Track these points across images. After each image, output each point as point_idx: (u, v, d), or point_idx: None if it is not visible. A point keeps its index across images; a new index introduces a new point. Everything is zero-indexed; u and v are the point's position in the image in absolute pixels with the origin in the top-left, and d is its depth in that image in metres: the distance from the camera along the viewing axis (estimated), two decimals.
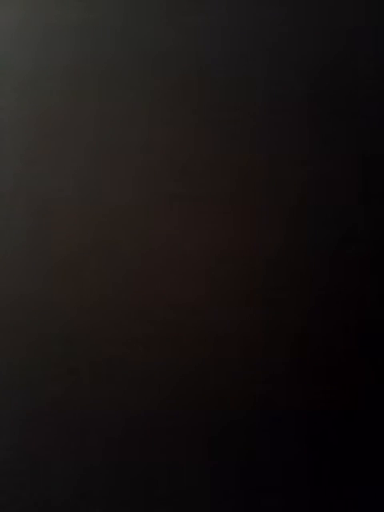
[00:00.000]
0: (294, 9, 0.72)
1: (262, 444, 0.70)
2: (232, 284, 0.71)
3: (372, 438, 0.70)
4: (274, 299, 0.71)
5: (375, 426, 0.70)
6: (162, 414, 0.70)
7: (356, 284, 0.71)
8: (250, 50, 0.72)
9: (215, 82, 0.72)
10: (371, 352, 0.71)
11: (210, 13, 0.72)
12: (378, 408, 0.70)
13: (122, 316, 0.71)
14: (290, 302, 0.71)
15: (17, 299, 0.71)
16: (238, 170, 0.71)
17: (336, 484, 0.70)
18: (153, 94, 0.72)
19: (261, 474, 0.70)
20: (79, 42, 0.72)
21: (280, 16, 0.72)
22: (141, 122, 0.72)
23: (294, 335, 0.70)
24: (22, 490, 0.70)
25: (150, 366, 0.70)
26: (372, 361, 0.71)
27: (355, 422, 0.70)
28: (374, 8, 0.72)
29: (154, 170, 0.71)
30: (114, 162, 0.72)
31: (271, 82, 0.72)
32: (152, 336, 0.71)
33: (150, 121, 0.72)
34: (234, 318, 0.71)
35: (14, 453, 0.70)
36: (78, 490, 0.71)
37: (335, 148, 0.71)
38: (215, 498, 0.70)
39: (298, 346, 0.70)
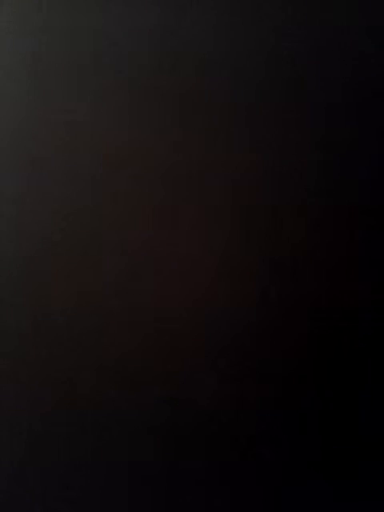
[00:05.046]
0: (292, 8, 0.72)
1: (264, 444, 0.71)
2: (230, 284, 0.71)
3: (371, 433, 0.71)
4: (274, 299, 0.71)
5: (374, 419, 0.71)
6: (161, 415, 0.71)
7: (354, 285, 0.71)
8: (247, 51, 0.72)
9: (212, 83, 0.72)
10: (371, 352, 0.71)
11: (208, 12, 0.72)
12: (377, 402, 0.71)
13: (119, 317, 0.71)
14: (291, 303, 0.71)
15: (16, 303, 0.71)
16: (236, 171, 0.71)
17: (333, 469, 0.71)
18: (151, 95, 0.72)
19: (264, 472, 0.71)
20: (78, 42, 0.72)
21: (278, 15, 0.72)
22: (139, 123, 0.72)
23: (293, 335, 0.70)
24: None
25: (149, 367, 0.71)
26: (371, 359, 0.71)
27: (356, 417, 0.70)
28: (373, 7, 0.72)
29: (153, 171, 0.71)
30: (113, 163, 0.72)
31: (268, 83, 0.72)
32: (150, 335, 0.71)
33: (149, 122, 0.72)
34: (231, 319, 0.71)
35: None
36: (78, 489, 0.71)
37: (333, 150, 0.71)
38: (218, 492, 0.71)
39: (298, 345, 0.70)
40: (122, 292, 0.71)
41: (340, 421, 0.70)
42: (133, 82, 0.72)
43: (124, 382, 0.71)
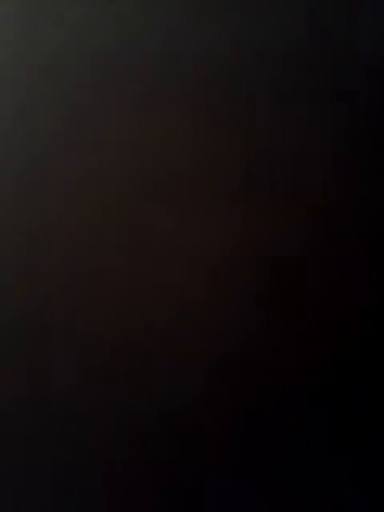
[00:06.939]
0: (292, 7, 0.72)
1: (262, 445, 0.71)
2: (233, 282, 0.71)
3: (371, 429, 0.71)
4: (276, 299, 0.71)
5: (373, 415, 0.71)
6: (162, 412, 0.71)
7: (356, 285, 0.71)
8: (247, 48, 0.72)
9: (214, 79, 0.72)
10: (371, 354, 0.71)
11: (208, 12, 0.72)
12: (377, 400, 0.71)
13: (118, 316, 0.71)
14: (292, 302, 0.71)
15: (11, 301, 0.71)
16: (239, 167, 0.71)
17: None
18: (152, 92, 0.72)
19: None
20: (77, 40, 0.72)
21: (277, 15, 0.72)
22: (140, 118, 0.72)
23: (296, 336, 0.71)
24: None
25: (149, 365, 0.70)
26: (371, 361, 0.71)
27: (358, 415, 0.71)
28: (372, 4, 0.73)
29: (155, 168, 0.71)
30: (115, 160, 0.71)
31: (270, 79, 0.72)
32: (150, 333, 0.71)
33: (149, 118, 0.72)
34: (233, 317, 0.71)
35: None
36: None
37: (335, 147, 0.71)
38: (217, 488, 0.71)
39: (301, 346, 0.71)
40: (122, 292, 0.71)
41: (340, 421, 0.71)
42: (132, 82, 0.72)
43: (122, 380, 0.70)
